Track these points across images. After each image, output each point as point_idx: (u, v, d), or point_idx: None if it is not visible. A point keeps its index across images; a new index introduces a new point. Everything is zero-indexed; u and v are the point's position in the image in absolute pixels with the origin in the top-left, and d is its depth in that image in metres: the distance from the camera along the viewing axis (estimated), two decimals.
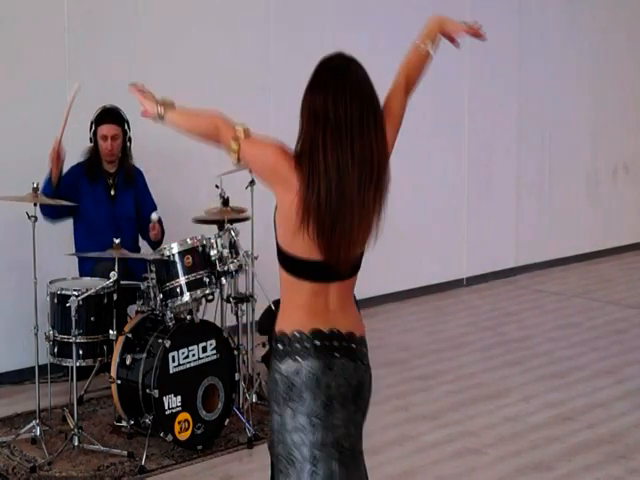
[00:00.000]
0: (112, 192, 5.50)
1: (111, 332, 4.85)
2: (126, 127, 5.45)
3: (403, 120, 2.87)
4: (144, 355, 4.78)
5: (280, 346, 2.75)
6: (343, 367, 2.72)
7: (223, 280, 4.99)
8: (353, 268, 2.76)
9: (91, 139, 5.45)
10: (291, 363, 2.72)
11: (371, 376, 2.83)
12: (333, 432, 2.72)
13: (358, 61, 2.80)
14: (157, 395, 4.68)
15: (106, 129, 5.40)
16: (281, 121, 7.00)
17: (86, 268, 5.35)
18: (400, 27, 7.55)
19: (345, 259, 2.69)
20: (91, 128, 5.44)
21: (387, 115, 2.78)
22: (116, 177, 5.51)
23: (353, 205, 2.65)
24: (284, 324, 2.76)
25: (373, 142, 2.67)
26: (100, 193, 5.47)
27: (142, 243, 5.67)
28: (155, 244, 5.45)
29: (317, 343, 2.71)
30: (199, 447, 4.84)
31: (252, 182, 5.58)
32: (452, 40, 3.02)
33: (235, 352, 5.03)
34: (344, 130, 2.65)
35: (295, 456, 2.75)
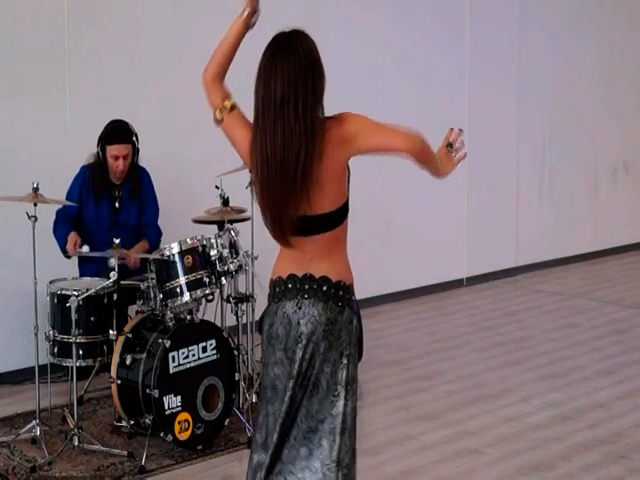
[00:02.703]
0: (117, 204, 5.47)
1: (111, 332, 4.85)
2: (134, 140, 5.38)
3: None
4: (144, 355, 4.78)
5: (268, 291, 3.15)
6: (311, 306, 3.02)
7: (223, 280, 4.99)
8: (319, 226, 3.00)
9: (99, 154, 5.35)
10: (273, 305, 3.11)
11: (353, 321, 3.07)
12: (302, 366, 3.02)
13: (301, 36, 3.04)
14: (157, 395, 4.68)
15: (117, 149, 5.29)
16: None
17: (86, 272, 5.33)
18: (401, 27, 7.55)
19: (286, 221, 2.99)
20: (99, 144, 5.34)
21: (355, 136, 2.96)
22: (121, 189, 5.46)
23: (277, 182, 2.94)
24: (272, 272, 3.15)
25: (293, 123, 2.91)
26: (104, 205, 5.43)
27: None
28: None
29: (289, 285, 3.06)
30: (199, 447, 4.84)
31: (252, 182, 5.58)
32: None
33: (235, 352, 5.03)
34: (267, 113, 2.96)
35: (277, 386, 3.07)
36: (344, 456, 3.04)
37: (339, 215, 3.04)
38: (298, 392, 3.05)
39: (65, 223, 5.37)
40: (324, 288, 3.03)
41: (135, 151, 5.40)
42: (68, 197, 5.39)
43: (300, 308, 3.04)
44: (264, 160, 2.97)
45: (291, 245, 3.05)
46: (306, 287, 3.04)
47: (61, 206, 5.37)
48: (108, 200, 5.43)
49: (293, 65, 2.95)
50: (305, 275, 3.05)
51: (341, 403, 3.04)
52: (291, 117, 2.93)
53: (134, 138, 5.37)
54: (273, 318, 3.09)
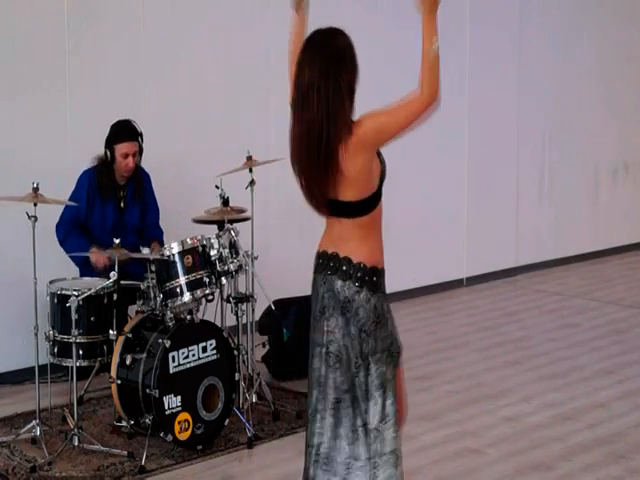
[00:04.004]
0: (121, 204, 5.49)
1: (111, 332, 4.85)
2: (140, 139, 5.42)
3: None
4: (144, 355, 4.78)
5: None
6: (333, 282, 3.28)
7: (223, 280, 4.99)
8: (345, 211, 3.24)
9: (107, 155, 5.37)
10: (313, 274, 3.38)
11: (370, 301, 3.28)
12: (324, 336, 3.30)
13: (335, 32, 3.28)
14: (157, 395, 4.68)
15: (127, 147, 5.33)
16: (281, 121, 7.01)
17: (86, 274, 5.33)
18: (401, 27, 7.55)
19: (317, 203, 3.26)
20: (107, 145, 5.36)
21: (396, 106, 3.15)
22: (126, 190, 5.49)
23: (304, 162, 3.22)
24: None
25: (316, 109, 3.14)
26: (109, 206, 5.45)
27: None
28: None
29: (320, 261, 3.34)
30: (199, 447, 4.84)
31: (252, 182, 5.59)
32: None
33: (235, 352, 5.03)
34: (297, 98, 3.23)
35: (310, 350, 3.37)
36: (372, 420, 3.28)
37: (365, 205, 3.26)
38: (324, 361, 3.31)
39: (77, 233, 5.37)
40: (344, 267, 3.26)
41: (140, 150, 5.42)
42: (65, 218, 5.41)
43: (325, 283, 3.31)
44: (295, 142, 3.25)
45: (336, 223, 3.30)
46: (331, 264, 3.30)
47: (65, 209, 5.39)
48: (113, 201, 5.46)
49: (322, 55, 3.19)
50: (333, 253, 3.30)
51: (362, 374, 3.28)
52: (314, 103, 3.15)
53: (140, 137, 5.40)
54: (312, 287, 3.39)
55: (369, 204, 3.26)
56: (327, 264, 3.31)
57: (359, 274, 3.27)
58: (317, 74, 3.16)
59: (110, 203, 5.45)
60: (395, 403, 3.34)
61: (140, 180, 5.50)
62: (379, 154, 3.28)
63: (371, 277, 3.29)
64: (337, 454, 3.30)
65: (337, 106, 3.15)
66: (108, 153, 5.37)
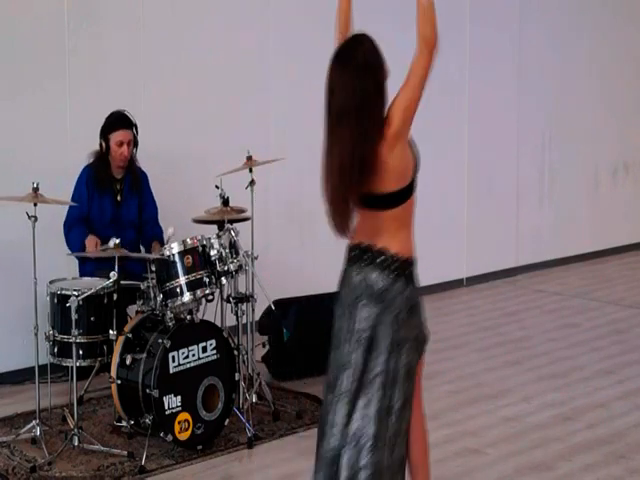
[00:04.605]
0: (119, 198, 5.51)
1: (111, 332, 4.85)
2: (134, 131, 5.46)
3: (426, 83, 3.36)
4: (144, 355, 4.78)
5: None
6: (368, 273, 3.39)
7: (223, 280, 4.99)
8: (385, 202, 3.36)
9: (102, 146, 5.42)
10: (344, 266, 3.50)
11: (406, 290, 3.41)
12: (357, 323, 3.41)
13: (353, 44, 3.36)
14: (157, 395, 4.68)
15: (122, 135, 5.39)
16: (281, 121, 7.02)
17: (87, 270, 5.35)
18: (401, 27, 7.54)
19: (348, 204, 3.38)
20: (102, 135, 5.41)
21: (406, 79, 3.32)
22: (123, 183, 5.52)
23: (334, 184, 3.33)
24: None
25: (347, 134, 3.26)
26: (107, 199, 5.48)
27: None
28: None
29: (353, 253, 3.45)
30: (199, 447, 4.84)
31: (252, 182, 5.59)
32: None
33: (235, 352, 5.03)
34: (328, 121, 3.32)
35: (340, 337, 3.47)
36: (394, 404, 3.45)
37: (401, 196, 3.38)
38: (357, 347, 3.41)
39: (79, 226, 5.42)
40: (380, 259, 3.39)
41: (135, 142, 5.44)
42: (77, 199, 5.42)
43: (359, 273, 3.42)
44: (328, 170, 3.35)
45: (370, 217, 3.41)
46: (366, 256, 3.41)
47: (70, 208, 5.42)
48: (110, 194, 5.48)
49: (347, 76, 3.28)
50: (367, 245, 3.42)
51: (393, 360, 3.43)
52: (347, 129, 3.27)
53: (134, 128, 5.44)
54: (342, 277, 3.50)
55: (404, 195, 3.38)
56: (362, 256, 3.42)
57: (395, 265, 3.40)
58: (349, 96, 3.27)
59: (107, 196, 5.47)
60: (414, 389, 3.54)
61: (136, 174, 5.54)
62: (411, 145, 3.41)
63: (406, 268, 3.43)
64: (364, 433, 3.42)
65: (370, 124, 3.27)
66: (103, 144, 5.42)
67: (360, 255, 3.43)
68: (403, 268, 3.42)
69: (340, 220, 3.37)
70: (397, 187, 3.35)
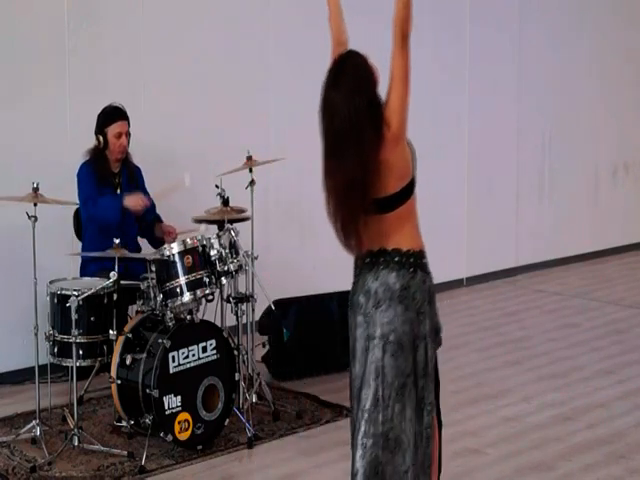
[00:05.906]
0: (118, 191, 5.51)
1: (111, 332, 4.85)
2: (129, 122, 5.49)
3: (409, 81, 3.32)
4: (144, 355, 4.78)
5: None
6: (386, 276, 3.43)
7: (223, 280, 4.99)
8: (391, 203, 3.39)
9: (99, 139, 5.42)
10: (355, 277, 3.54)
11: (426, 282, 3.49)
12: (381, 328, 3.41)
13: (342, 62, 3.38)
14: (157, 395, 4.68)
15: (120, 126, 5.41)
16: (281, 121, 7.02)
17: (90, 270, 5.34)
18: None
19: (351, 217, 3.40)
20: (100, 128, 5.41)
21: (390, 79, 3.31)
22: (121, 176, 5.53)
23: (337, 203, 3.37)
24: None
25: (347, 157, 3.29)
26: (108, 194, 5.46)
27: (141, 242, 5.68)
28: (157, 241, 5.50)
29: (367, 260, 3.48)
30: (199, 447, 4.84)
31: (252, 182, 5.58)
32: None
33: (235, 352, 5.03)
34: (326, 142, 3.36)
35: (356, 347, 3.49)
36: (428, 395, 3.51)
37: (405, 193, 3.42)
38: (384, 354, 3.42)
39: (104, 194, 5.38)
40: (396, 258, 3.44)
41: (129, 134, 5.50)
42: (88, 196, 5.39)
43: (377, 278, 3.44)
44: (331, 190, 3.39)
45: (377, 220, 3.42)
46: (381, 259, 3.44)
47: (81, 198, 5.44)
48: (110, 189, 5.48)
49: (341, 98, 3.31)
50: (380, 249, 3.45)
51: (421, 352, 3.48)
52: (346, 150, 3.32)
53: (128, 119, 5.48)
54: (355, 287, 3.52)
55: (407, 193, 3.43)
56: (377, 260, 3.45)
57: (411, 260, 3.46)
58: (342, 120, 3.31)
59: (108, 190, 5.45)
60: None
61: (132, 167, 5.56)
62: (408, 142, 3.43)
63: (421, 259, 3.50)
64: (404, 435, 3.46)
65: (369, 136, 3.30)
66: (101, 138, 5.42)
67: (375, 260, 3.46)
68: (419, 261, 3.49)
69: (352, 241, 3.43)
70: (400, 186, 3.40)
